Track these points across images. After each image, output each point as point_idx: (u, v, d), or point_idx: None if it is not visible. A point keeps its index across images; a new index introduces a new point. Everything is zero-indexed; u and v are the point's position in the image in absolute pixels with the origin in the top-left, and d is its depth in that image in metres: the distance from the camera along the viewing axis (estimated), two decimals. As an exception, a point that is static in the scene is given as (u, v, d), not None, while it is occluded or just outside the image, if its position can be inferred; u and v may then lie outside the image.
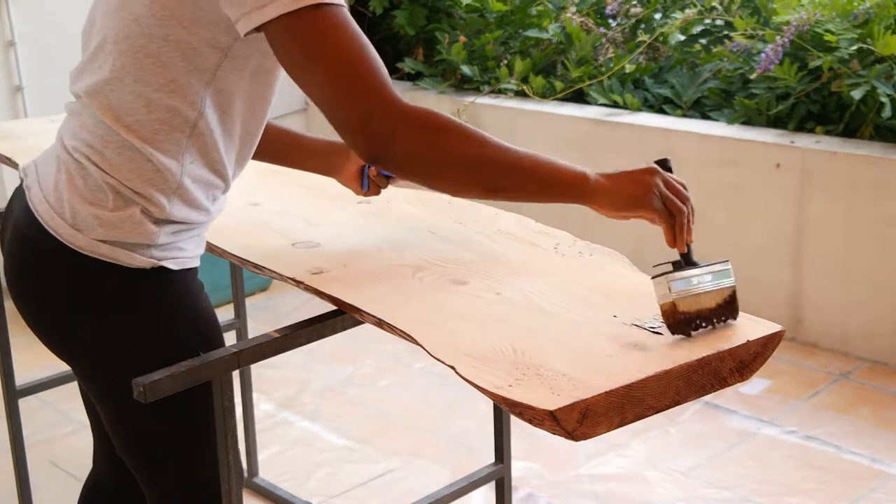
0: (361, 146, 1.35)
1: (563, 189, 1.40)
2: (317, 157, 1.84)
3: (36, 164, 1.58)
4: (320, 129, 2.07)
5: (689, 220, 1.41)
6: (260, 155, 1.71)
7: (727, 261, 1.39)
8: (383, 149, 1.34)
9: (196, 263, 1.56)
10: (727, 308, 1.35)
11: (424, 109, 1.35)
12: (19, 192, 1.58)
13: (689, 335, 1.32)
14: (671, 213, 1.40)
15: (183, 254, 1.52)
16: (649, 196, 1.40)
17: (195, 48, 1.41)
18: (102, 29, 1.47)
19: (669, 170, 1.44)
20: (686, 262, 1.39)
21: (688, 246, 1.40)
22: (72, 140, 1.50)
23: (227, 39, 1.42)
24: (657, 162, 1.44)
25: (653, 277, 1.35)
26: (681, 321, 1.31)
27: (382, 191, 1.90)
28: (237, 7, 1.35)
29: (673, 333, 1.32)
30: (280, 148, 1.80)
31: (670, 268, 1.37)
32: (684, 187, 1.42)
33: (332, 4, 1.34)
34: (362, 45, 1.35)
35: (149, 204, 1.46)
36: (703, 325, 1.33)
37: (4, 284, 1.64)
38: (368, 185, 1.82)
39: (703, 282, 1.34)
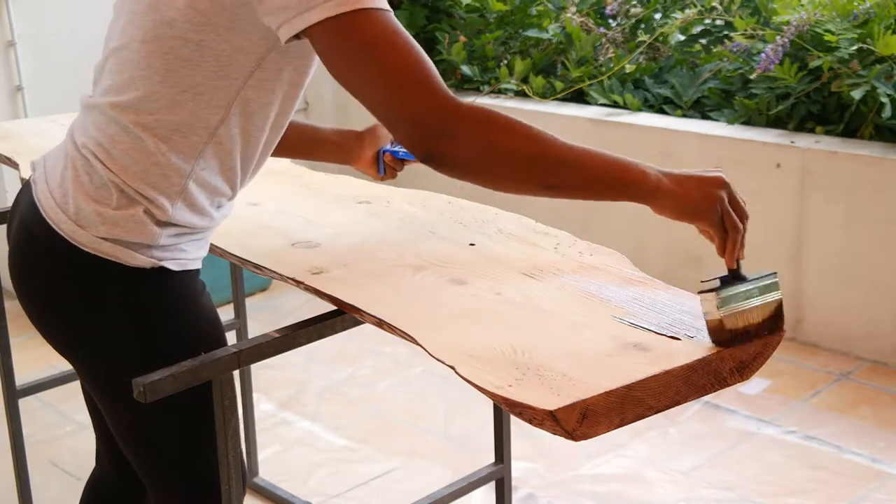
0: (417, 145, 1.31)
1: (621, 188, 1.35)
2: (332, 147, 1.86)
3: (45, 159, 1.59)
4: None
5: (743, 237, 1.38)
6: (276, 151, 1.71)
7: (774, 273, 1.36)
8: (439, 148, 1.31)
9: (198, 265, 1.56)
10: (773, 321, 1.34)
11: (480, 108, 1.33)
12: (27, 187, 1.59)
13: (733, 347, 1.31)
14: (726, 229, 1.37)
15: (184, 255, 1.53)
16: (712, 210, 1.36)
17: (228, 55, 1.41)
18: (130, 28, 1.46)
19: None
20: (734, 276, 1.36)
21: (737, 261, 1.37)
22: (82, 136, 1.51)
23: (262, 50, 1.41)
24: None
25: (699, 292, 1.32)
26: (727, 338, 1.30)
27: (383, 190, 1.91)
28: (279, 14, 1.34)
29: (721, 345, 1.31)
30: (295, 141, 1.81)
31: (718, 283, 1.33)
32: (744, 204, 1.39)
33: (379, 9, 1.32)
34: (414, 47, 1.32)
35: (152, 206, 1.46)
36: (749, 339, 1.31)
37: (5, 284, 1.64)
38: (385, 170, 1.83)
39: (750, 297, 1.32)
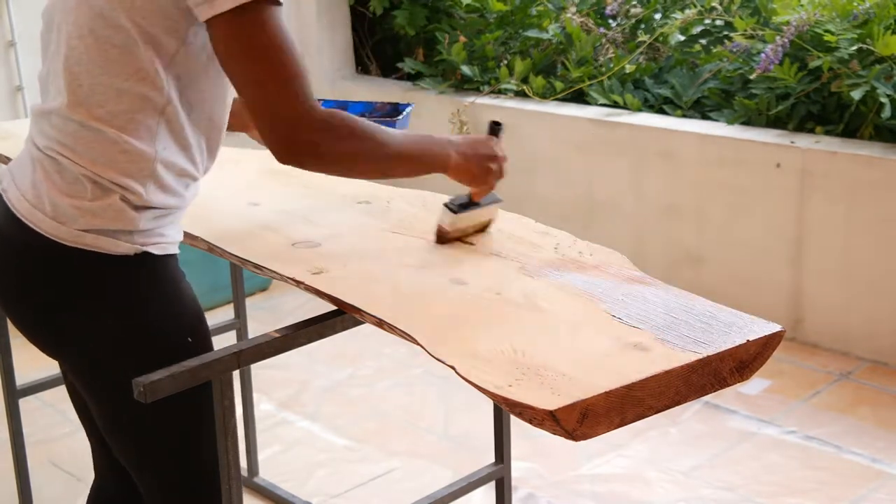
0: (283, 151, 1.46)
1: (432, 166, 1.62)
2: None
3: (10, 169, 1.61)
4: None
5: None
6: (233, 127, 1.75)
7: (500, 200, 1.73)
8: (301, 156, 1.47)
9: (177, 250, 1.59)
10: (481, 231, 1.73)
11: (334, 115, 1.48)
12: None
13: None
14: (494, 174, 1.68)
15: (164, 239, 1.55)
16: (491, 177, 1.67)
17: (154, 36, 1.45)
18: (63, 26, 1.50)
19: (500, 133, 1.73)
20: (471, 202, 1.70)
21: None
22: (43, 140, 1.53)
23: (184, 27, 1.45)
24: (494, 123, 1.72)
25: (444, 204, 1.68)
26: (446, 241, 1.69)
27: (382, 190, 1.91)
28: None
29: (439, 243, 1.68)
30: (240, 116, 1.80)
31: (463, 200, 1.69)
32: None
33: (277, 3, 1.41)
34: (295, 51, 1.44)
35: (126, 192, 1.49)
36: (461, 240, 1.69)
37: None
38: None
39: (475, 218, 1.70)
